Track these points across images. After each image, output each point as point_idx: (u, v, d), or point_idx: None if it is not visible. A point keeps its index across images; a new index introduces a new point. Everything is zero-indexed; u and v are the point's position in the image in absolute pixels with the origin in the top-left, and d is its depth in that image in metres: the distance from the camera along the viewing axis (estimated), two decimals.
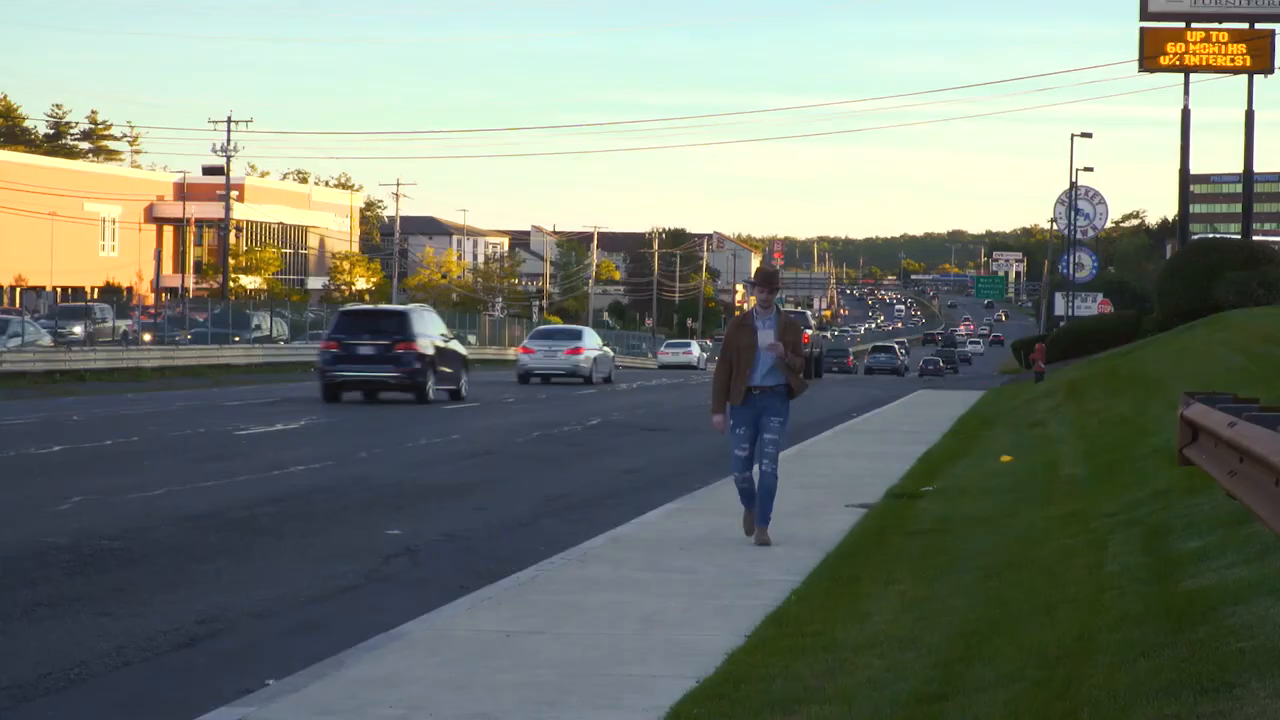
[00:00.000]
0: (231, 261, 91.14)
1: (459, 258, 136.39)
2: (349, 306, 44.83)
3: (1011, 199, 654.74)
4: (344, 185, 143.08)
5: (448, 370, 37.16)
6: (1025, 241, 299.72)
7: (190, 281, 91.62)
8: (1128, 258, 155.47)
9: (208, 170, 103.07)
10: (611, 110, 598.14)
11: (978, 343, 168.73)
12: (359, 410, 34.13)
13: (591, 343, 53.02)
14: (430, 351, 36.23)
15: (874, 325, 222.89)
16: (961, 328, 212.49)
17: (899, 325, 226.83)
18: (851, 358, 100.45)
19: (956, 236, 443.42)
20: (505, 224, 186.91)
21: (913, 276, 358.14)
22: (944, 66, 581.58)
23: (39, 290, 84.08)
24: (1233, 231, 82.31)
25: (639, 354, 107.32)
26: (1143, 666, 7.40)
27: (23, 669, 9.14)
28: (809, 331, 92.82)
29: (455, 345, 38.62)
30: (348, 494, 17.97)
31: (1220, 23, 59.78)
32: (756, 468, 13.32)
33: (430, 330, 36.88)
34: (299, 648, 9.76)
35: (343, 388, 36.24)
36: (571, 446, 25.45)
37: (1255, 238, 65.57)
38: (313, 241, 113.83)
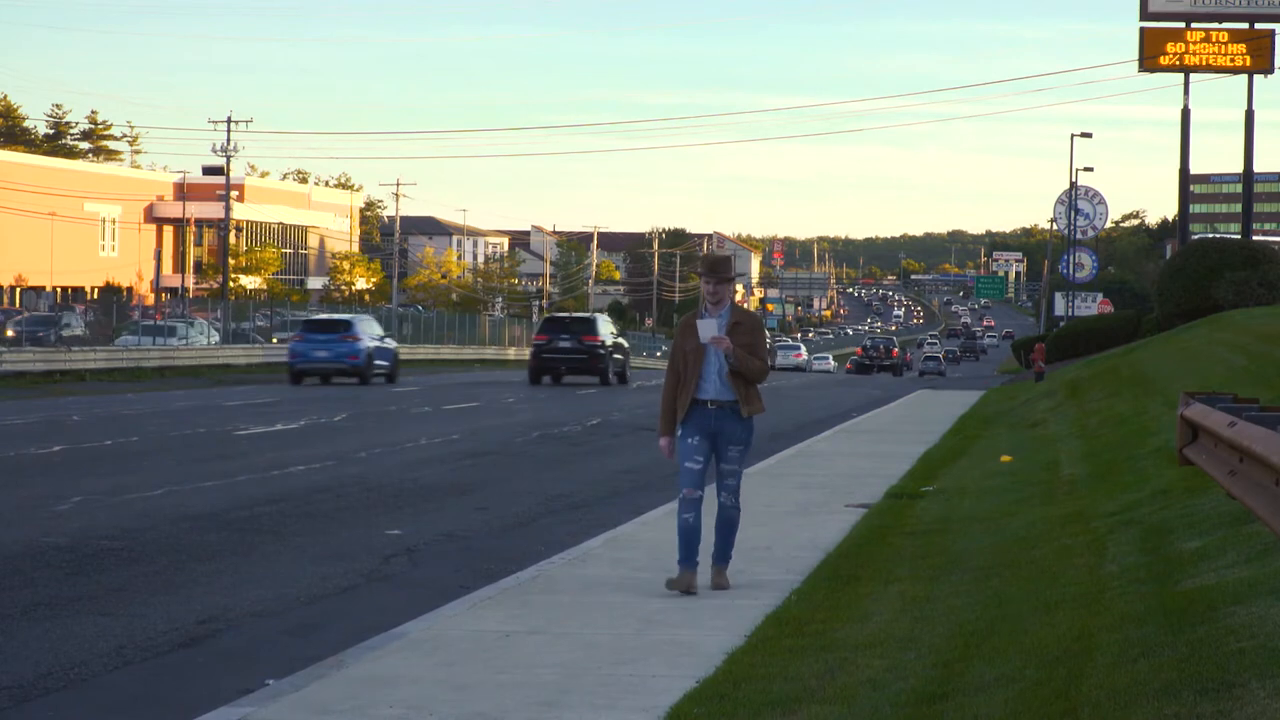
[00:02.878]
0: (231, 261, 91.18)
1: (459, 258, 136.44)
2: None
3: (1011, 199, 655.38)
4: (344, 185, 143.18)
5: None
6: (1025, 241, 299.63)
7: (190, 281, 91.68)
8: (1128, 258, 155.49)
9: (208, 170, 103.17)
10: (611, 110, 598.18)
11: (993, 337, 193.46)
12: (360, 410, 34.14)
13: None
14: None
15: (864, 327, 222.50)
16: (965, 319, 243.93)
17: (894, 328, 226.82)
18: (909, 354, 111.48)
19: (956, 236, 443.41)
20: (505, 224, 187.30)
21: (913, 276, 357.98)
22: (944, 66, 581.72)
23: (39, 290, 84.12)
24: (1233, 231, 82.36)
25: (652, 354, 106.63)
26: (1143, 666, 7.40)
27: (23, 669, 9.14)
28: (896, 347, 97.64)
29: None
30: (348, 494, 17.96)
31: (1220, 23, 59.74)
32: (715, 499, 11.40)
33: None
34: (299, 648, 9.76)
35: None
36: (572, 446, 25.45)
37: (1255, 238, 65.50)
38: (313, 241, 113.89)
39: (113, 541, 13.84)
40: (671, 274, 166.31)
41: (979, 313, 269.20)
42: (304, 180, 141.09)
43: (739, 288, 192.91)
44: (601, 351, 47.82)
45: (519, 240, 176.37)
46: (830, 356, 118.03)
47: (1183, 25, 59.92)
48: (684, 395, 11.18)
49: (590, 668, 8.81)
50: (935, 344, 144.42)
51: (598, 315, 52.38)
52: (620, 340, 51.59)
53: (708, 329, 11.10)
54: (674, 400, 11.25)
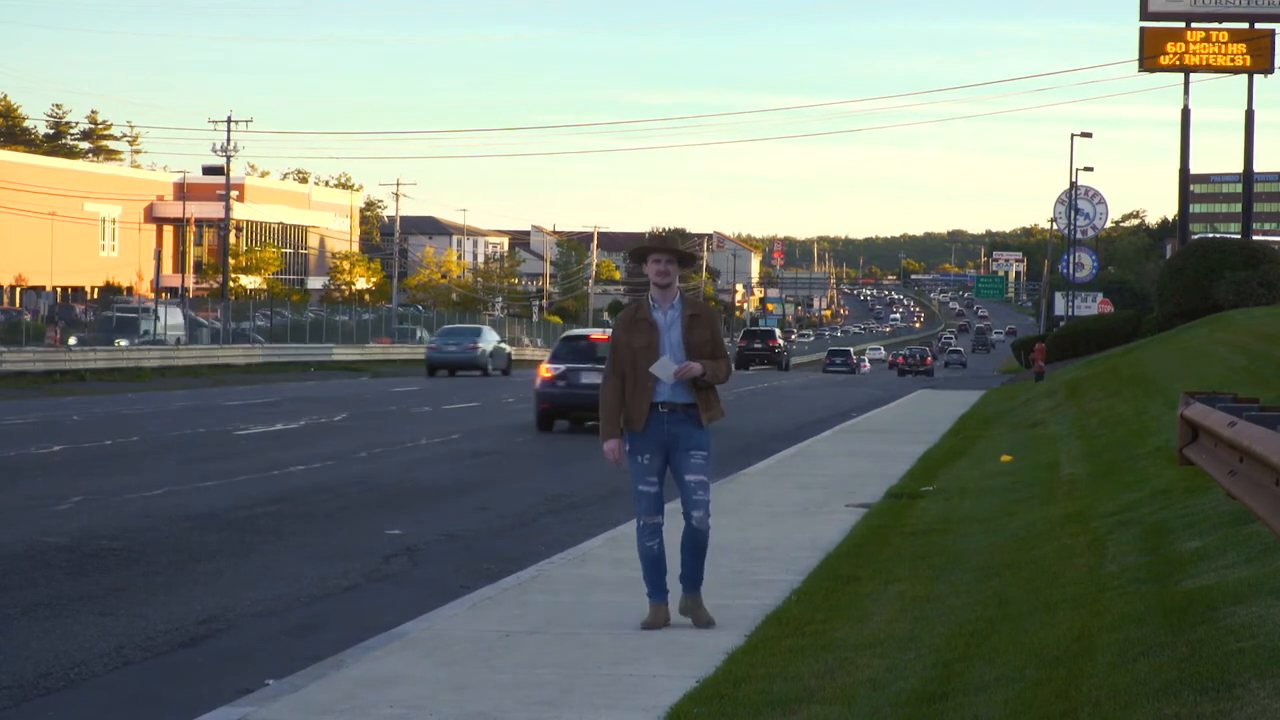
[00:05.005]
0: (231, 261, 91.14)
1: (459, 258, 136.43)
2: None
3: (1011, 199, 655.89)
4: (344, 185, 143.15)
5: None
6: (1025, 241, 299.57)
7: (190, 281, 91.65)
8: (1128, 258, 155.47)
9: (208, 170, 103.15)
10: (611, 110, 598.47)
11: (998, 333, 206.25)
12: (360, 410, 34.14)
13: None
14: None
15: (853, 330, 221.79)
16: (960, 309, 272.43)
17: (888, 330, 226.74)
18: (931, 358, 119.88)
19: (956, 236, 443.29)
20: (505, 224, 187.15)
21: (913, 276, 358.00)
22: (944, 66, 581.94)
23: (39, 290, 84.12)
24: (1233, 231, 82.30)
25: None
26: (1143, 666, 7.40)
27: (23, 669, 9.14)
28: (930, 356, 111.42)
29: None
30: (348, 494, 17.97)
31: (1220, 22, 59.75)
32: (684, 519, 10.09)
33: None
34: (299, 648, 9.76)
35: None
36: (572, 446, 25.44)
37: (1255, 238, 65.49)
38: (313, 241, 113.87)
39: (113, 541, 13.84)
40: None
41: (967, 301, 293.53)
42: (304, 180, 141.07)
43: (739, 288, 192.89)
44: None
45: (519, 240, 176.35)
46: (882, 348, 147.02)
47: (1183, 25, 59.94)
48: (638, 400, 9.76)
49: (590, 668, 8.81)
50: (953, 339, 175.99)
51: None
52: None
53: (664, 369, 9.67)
54: (617, 402, 9.82)
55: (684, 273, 10.08)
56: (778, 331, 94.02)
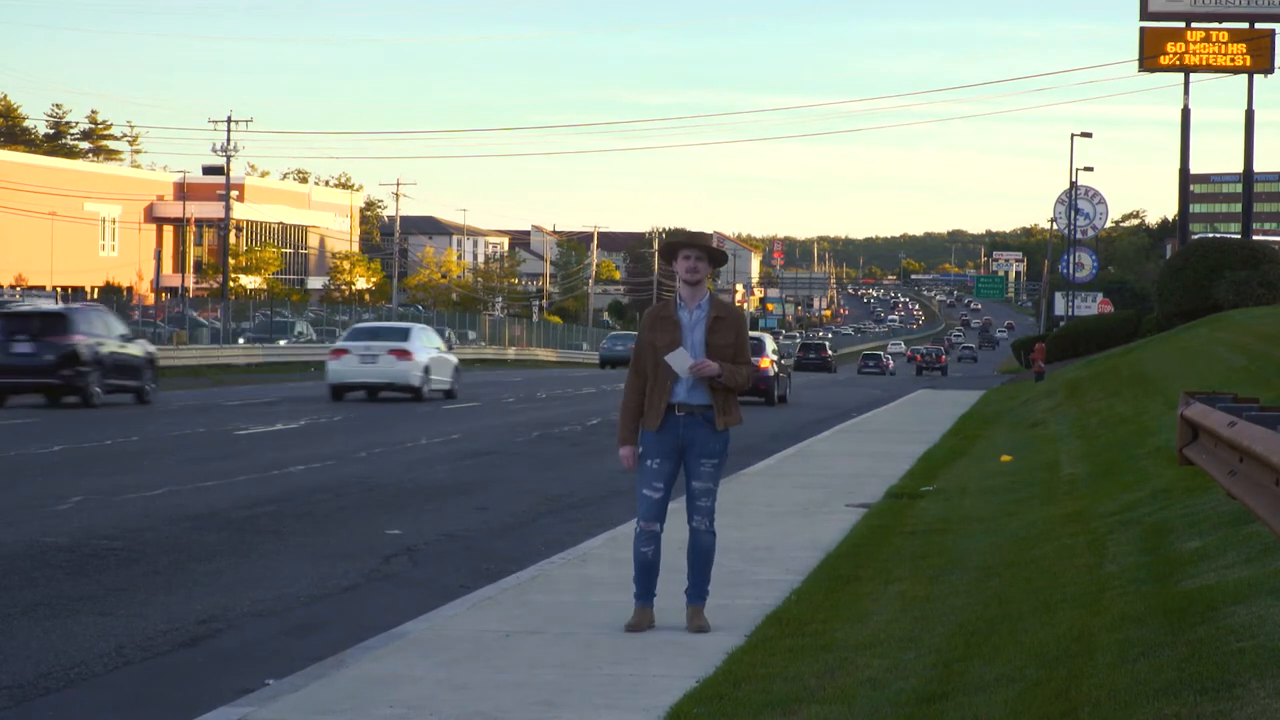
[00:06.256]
0: (231, 261, 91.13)
1: (459, 257, 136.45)
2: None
3: (1011, 199, 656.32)
4: (344, 185, 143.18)
5: None
6: (1025, 241, 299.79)
7: (190, 281, 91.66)
8: (1128, 258, 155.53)
9: (208, 170, 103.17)
10: (611, 110, 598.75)
11: (1003, 331, 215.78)
12: (360, 410, 34.15)
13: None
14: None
15: (845, 331, 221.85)
16: (961, 311, 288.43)
17: (885, 330, 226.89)
18: (945, 356, 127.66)
19: (956, 236, 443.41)
20: (505, 224, 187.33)
21: (913, 276, 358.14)
22: (944, 66, 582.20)
23: (39, 290, 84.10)
24: (1233, 231, 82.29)
25: None
26: (1143, 666, 7.40)
27: (23, 669, 9.14)
28: (944, 354, 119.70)
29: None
30: (348, 494, 17.96)
31: (1220, 22, 59.78)
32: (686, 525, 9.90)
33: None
34: (299, 648, 9.76)
35: None
36: (572, 446, 25.44)
37: (1255, 238, 65.48)
38: (313, 241, 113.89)
39: (113, 541, 13.83)
40: (671, 274, 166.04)
41: (957, 297, 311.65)
42: (304, 180, 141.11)
43: (739, 288, 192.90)
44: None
45: (519, 240, 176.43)
46: (902, 342, 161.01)
47: (1183, 25, 59.97)
48: (657, 399, 9.56)
49: (590, 668, 8.81)
50: (962, 336, 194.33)
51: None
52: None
53: (680, 360, 9.43)
54: (638, 403, 9.64)
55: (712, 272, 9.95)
56: (828, 343, 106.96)
